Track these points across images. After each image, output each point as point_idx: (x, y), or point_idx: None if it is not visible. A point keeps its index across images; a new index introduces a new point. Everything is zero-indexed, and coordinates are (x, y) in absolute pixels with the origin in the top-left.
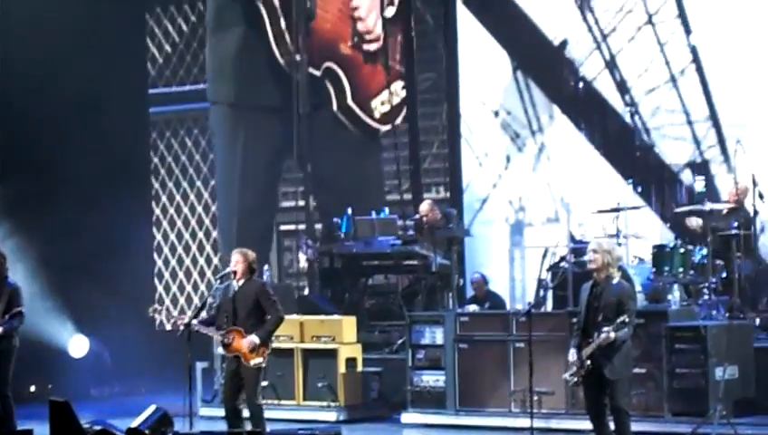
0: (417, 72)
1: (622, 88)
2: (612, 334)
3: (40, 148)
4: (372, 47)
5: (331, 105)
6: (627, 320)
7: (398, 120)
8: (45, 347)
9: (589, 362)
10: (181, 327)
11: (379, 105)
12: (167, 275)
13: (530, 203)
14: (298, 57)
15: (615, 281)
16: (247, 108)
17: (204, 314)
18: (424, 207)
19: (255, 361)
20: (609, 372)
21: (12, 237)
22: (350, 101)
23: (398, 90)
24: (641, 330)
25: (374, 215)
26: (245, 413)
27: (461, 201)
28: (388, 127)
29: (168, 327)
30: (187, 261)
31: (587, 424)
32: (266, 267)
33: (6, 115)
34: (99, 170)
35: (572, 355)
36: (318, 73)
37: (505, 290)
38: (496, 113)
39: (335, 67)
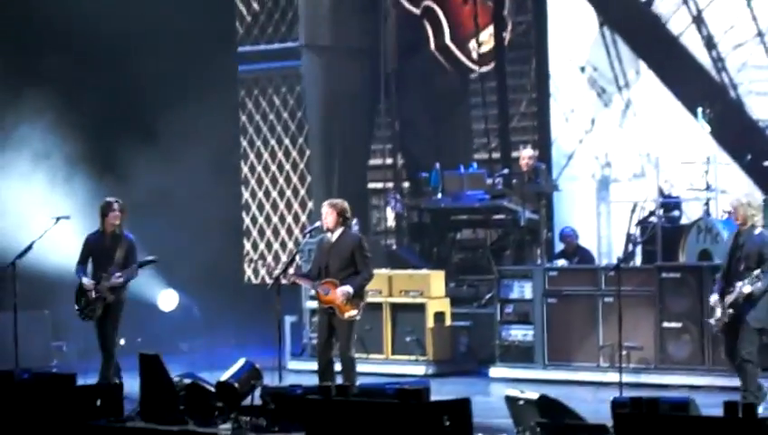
0: (507, 30)
1: (709, 43)
2: (747, 288)
3: (133, 102)
4: None
5: (428, 46)
6: (760, 274)
7: (493, 64)
8: (135, 301)
9: (731, 310)
10: (273, 279)
11: (476, 46)
12: (254, 232)
13: (616, 159)
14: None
15: (757, 232)
16: (342, 50)
17: (291, 271)
18: (528, 152)
19: (350, 313)
20: (754, 321)
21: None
22: (448, 41)
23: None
24: None
25: (462, 169)
26: (337, 366)
27: (549, 158)
28: (485, 68)
29: (263, 273)
30: (275, 219)
31: (675, 378)
32: (355, 221)
33: (107, 71)
34: (187, 127)
35: (714, 300)
36: (417, 12)
37: (592, 245)
38: (583, 69)
39: (434, 6)
